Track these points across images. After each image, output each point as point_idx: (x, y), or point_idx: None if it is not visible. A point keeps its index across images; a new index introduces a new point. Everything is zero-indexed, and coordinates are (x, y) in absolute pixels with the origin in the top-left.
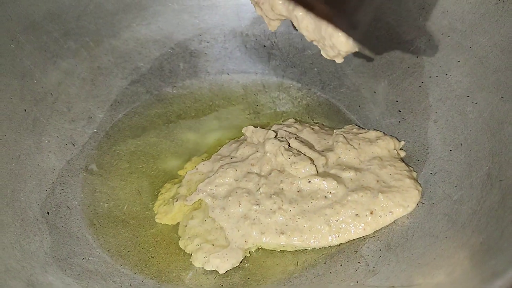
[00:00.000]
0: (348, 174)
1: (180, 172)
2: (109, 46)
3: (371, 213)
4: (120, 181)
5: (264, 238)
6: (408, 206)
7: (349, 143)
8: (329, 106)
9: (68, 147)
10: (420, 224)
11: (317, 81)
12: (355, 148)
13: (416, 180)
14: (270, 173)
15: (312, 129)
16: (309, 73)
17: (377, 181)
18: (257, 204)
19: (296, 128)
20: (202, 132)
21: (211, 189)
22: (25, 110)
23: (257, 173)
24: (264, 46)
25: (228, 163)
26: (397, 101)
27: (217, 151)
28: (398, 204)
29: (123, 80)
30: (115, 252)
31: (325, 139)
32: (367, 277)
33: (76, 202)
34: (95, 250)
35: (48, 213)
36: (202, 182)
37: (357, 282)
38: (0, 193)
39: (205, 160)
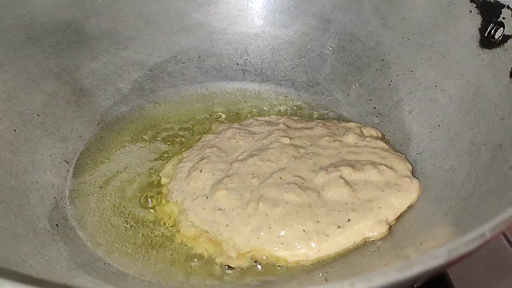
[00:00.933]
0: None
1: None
2: (89, 69)
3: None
4: (121, 191)
5: None
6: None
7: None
8: (308, 110)
9: (63, 165)
10: (420, 194)
11: (292, 91)
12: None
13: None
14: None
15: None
16: (284, 85)
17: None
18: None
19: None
20: (189, 144)
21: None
22: (15, 130)
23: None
24: (238, 63)
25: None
26: (370, 100)
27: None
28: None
29: (106, 101)
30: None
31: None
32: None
33: (82, 214)
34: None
35: (57, 225)
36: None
37: (378, 247)
38: (6, 207)
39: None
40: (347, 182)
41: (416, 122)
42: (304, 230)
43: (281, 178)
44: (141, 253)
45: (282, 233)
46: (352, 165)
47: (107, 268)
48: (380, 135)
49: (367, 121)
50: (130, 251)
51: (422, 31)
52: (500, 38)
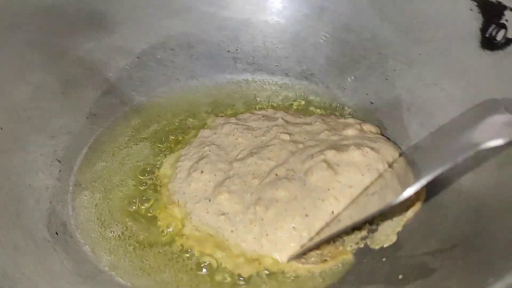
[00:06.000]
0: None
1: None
2: (74, 57)
3: None
4: (118, 192)
5: None
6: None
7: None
8: (303, 102)
9: (54, 164)
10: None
11: (286, 81)
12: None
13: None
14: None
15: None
16: (277, 74)
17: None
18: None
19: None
20: (184, 140)
21: None
22: (1, 128)
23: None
24: (229, 51)
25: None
26: (367, 94)
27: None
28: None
29: (94, 92)
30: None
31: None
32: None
33: (80, 218)
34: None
35: (57, 233)
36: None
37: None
38: (5, 214)
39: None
40: (329, 165)
41: (415, 120)
42: (293, 227)
43: (276, 174)
44: (144, 260)
45: (277, 236)
46: (337, 148)
47: (114, 281)
48: (380, 132)
49: (365, 116)
50: (131, 259)
51: (420, 26)
52: (502, 41)
